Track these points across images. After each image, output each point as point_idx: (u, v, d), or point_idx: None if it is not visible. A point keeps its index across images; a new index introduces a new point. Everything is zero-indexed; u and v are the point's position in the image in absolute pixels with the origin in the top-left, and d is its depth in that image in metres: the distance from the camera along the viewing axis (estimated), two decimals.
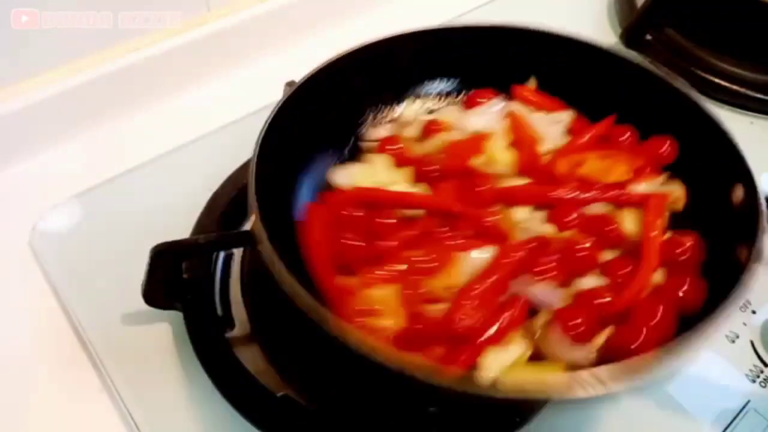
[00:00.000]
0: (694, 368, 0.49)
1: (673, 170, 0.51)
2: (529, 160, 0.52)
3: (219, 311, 0.49)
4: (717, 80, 0.72)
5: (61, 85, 0.62)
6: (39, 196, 0.58)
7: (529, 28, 0.56)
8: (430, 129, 0.55)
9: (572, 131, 0.55)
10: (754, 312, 0.52)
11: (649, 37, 0.76)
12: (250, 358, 0.47)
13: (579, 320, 0.40)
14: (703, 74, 0.72)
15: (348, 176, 0.51)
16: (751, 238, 0.40)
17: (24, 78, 0.61)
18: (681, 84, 0.51)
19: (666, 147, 0.52)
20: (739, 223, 0.43)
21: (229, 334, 0.48)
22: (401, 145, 0.54)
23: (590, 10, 0.85)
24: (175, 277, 0.48)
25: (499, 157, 0.53)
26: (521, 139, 0.54)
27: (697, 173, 0.50)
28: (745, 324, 0.52)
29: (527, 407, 0.45)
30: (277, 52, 0.74)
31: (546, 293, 0.43)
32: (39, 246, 0.55)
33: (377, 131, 0.57)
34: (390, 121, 0.58)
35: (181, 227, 0.54)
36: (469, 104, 0.58)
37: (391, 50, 0.54)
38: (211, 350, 0.47)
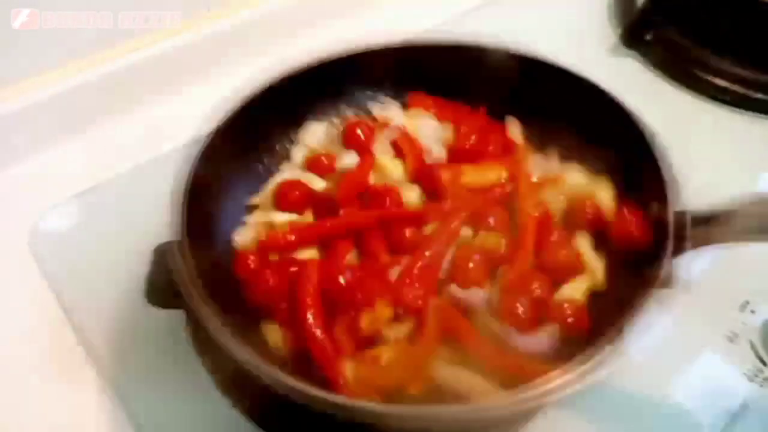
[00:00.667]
0: (694, 368, 0.50)
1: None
2: (416, 168, 0.54)
3: None
4: (717, 80, 0.72)
5: (61, 85, 0.62)
6: (39, 196, 0.58)
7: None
8: (318, 166, 0.54)
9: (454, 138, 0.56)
10: (753, 312, 0.52)
11: (648, 37, 0.76)
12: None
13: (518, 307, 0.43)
14: (703, 74, 0.72)
15: (246, 233, 0.50)
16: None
17: (24, 78, 0.61)
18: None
19: None
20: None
21: None
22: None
23: (590, 10, 0.85)
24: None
25: (388, 165, 0.54)
26: (406, 150, 0.55)
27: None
28: (744, 324, 0.52)
29: None
30: (276, 51, 0.74)
31: (472, 295, 0.45)
32: (39, 246, 0.55)
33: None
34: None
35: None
36: (348, 141, 0.56)
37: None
38: (211, 350, 0.47)
